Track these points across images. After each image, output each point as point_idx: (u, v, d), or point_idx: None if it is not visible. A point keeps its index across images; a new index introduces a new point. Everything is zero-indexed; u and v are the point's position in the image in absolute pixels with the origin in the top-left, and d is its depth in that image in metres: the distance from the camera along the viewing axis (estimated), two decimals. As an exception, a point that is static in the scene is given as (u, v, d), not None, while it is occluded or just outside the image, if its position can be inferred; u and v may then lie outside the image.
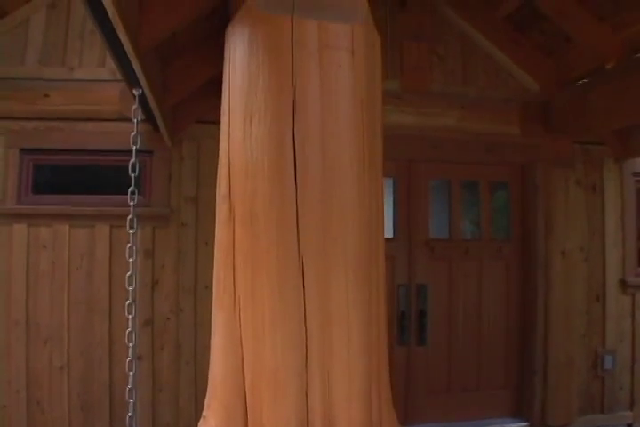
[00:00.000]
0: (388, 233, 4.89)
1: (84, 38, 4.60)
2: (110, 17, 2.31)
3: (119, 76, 3.21)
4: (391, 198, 4.99)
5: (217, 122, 1.97)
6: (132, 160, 3.26)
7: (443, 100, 4.98)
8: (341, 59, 1.72)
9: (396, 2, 5.01)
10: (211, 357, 1.81)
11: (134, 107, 3.28)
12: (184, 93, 3.91)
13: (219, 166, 1.76)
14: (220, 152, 1.76)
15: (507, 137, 5.10)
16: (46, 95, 4.52)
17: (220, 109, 1.96)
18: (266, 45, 1.72)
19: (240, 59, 1.77)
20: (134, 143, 3.26)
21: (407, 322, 5.01)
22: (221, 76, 1.99)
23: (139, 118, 3.27)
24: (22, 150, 4.55)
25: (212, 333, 1.81)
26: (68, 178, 4.77)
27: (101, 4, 2.22)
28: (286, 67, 1.68)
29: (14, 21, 4.64)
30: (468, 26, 5.14)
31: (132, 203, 3.28)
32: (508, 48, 5.15)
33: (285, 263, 1.65)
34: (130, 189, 3.28)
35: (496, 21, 5.12)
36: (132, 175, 3.28)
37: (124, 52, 2.67)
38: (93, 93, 4.51)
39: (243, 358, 1.69)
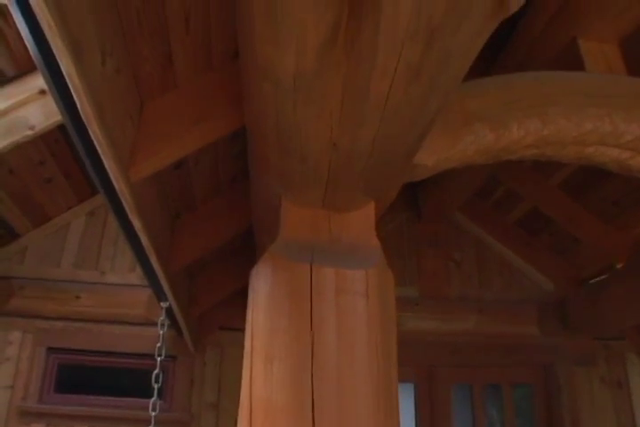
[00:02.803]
0: (411, 441, 4.78)
1: (118, 245, 4.88)
2: (144, 246, 2.52)
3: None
4: (412, 404, 4.92)
5: (241, 329, 2.08)
6: (156, 371, 3.34)
7: (460, 305, 5.10)
8: (356, 303, 1.85)
9: (413, 211, 5.33)
10: None
11: (161, 318, 3.42)
12: (209, 305, 4.07)
13: (239, 408, 1.83)
14: (241, 395, 1.83)
15: (526, 338, 5.13)
16: (78, 297, 4.71)
17: (243, 319, 2.07)
18: (287, 291, 1.86)
19: (262, 302, 1.90)
20: (159, 354, 3.35)
21: None
22: (246, 288, 2.12)
23: (165, 330, 3.40)
24: (49, 349, 4.66)
25: None
26: (91, 379, 4.81)
27: (137, 236, 2.43)
28: (305, 312, 1.81)
29: (55, 226, 4.97)
30: (481, 231, 5.40)
31: (153, 413, 3.31)
32: (520, 250, 5.36)
33: None
34: (152, 400, 3.32)
35: (508, 226, 5.38)
36: (156, 386, 3.34)
37: (154, 272, 2.86)
38: (122, 297, 4.69)
39: None
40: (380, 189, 2.06)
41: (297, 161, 1.77)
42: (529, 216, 5.20)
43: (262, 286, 1.93)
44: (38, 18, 1.32)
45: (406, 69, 1.37)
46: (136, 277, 4.71)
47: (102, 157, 1.80)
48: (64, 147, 4.28)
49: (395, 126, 1.58)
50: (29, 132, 3.57)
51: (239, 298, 3.37)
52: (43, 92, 3.63)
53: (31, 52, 1.59)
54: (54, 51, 1.42)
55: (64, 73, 1.50)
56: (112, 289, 4.74)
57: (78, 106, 1.60)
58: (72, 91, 1.56)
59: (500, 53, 3.41)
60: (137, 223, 2.24)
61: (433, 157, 2.26)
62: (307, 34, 1.30)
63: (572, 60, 3.08)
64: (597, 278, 5.04)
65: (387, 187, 2.09)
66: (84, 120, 1.65)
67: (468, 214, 5.41)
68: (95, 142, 1.74)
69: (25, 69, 3.45)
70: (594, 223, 4.79)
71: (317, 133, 1.61)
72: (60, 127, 3.82)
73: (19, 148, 3.62)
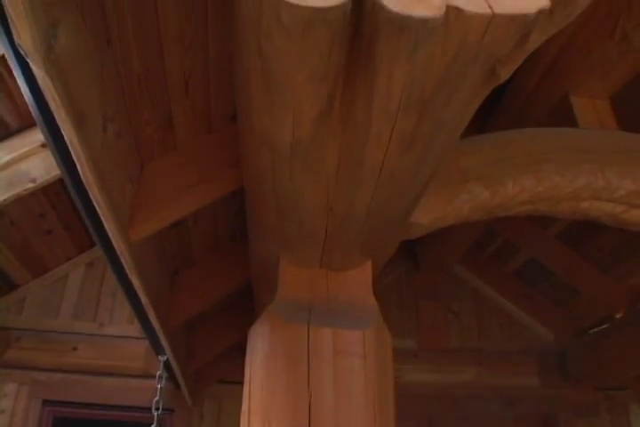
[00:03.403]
0: None
1: (116, 296, 4.87)
2: (143, 303, 2.53)
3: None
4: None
5: (239, 382, 2.07)
6: (154, 425, 3.30)
7: (460, 357, 5.07)
8: (354, 364, 1.86)
9: (411, 263, 5.34)
10: None
11: (159, 372, 3.40)
12: (207, 358, 4.05)
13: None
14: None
15: (526, 389, 5.08)
16: (75, 348, 4.69)
17: (241, 372, 2.06)
18: (284, 351, 1.87)
19: (260, 362, 1.91)
20: (157, 408, 3.32)
21: None
22: (245, 341, 2.12)
23: (163, 384, 3.37)
24: (45, 402, 4.60)
25: None
26: (86, 432, 4.75)
27: (136, 293, 2.44)
28: (303, 372, 1.81)
29: (54, 277, 4.98)
30: (480, 282, 5.41)
31: (149, 470, 3.26)
32: (519, 301, 5.36)
33: None
34: (149, 457, 3.29)
35: (506, 276, 5.39)
36: (153, 441, 3.30)
37: (153, 328, 2.86)
38: (120, 349, 4.67)
39: None
40: (377, 249, 2.09)
41: (294, 224, 1.80)
42: (527, 267, 5.21)
43: (260, 347, 1.94)
44: (43, 92, 1.36)
45: (400, 139, 1.41)
46: (135, 329, 4.68)
47: (102, 219, 1.83)
48: (64, 199, 4.32)
49: (390, 191, 1.62)
50: (30, 185, 3.61)
51: (237, 351, 3.35)
52: (44, 145, 3.69)
53: (35, 118, 1.63)
54: (57, 120, 1.46)
55: (66, 140, 1.54)
56: (110, 341, 4.72)
57: (79, 171, 1.64)
58: (74, 157, 1.59)
59: (493, 110, 3.47)
60: (136, 282, 2.26)
61: (429, 215, 2.29)
62: (303, 105, 1.35)
63: (564, 116, 3.14)
64: (597, 328, 5.02)
65: (383, 246, 2.12)
66: (85, 184, 1.68)
67: (466, 266, 5.42)
68: (95, 205, 1.77)
69: (28, 123, 3.50)
70: (592, 273, 4.80)
71: (314, 198, 1.64)
72: (61, 180, 3.87)
73: (20, 200, 3.65)
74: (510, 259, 5.26)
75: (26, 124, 3.52)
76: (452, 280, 5.41)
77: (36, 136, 3.54)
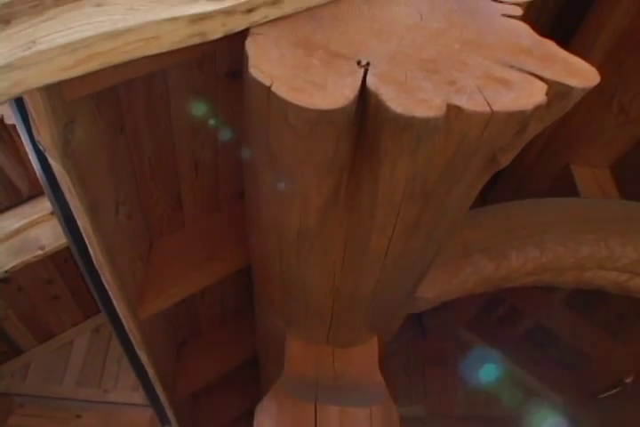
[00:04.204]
0: None
1: (122, 363, 4.84)
2: (150, 377, 2.53)
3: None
4: None
5: None
6: None
7: (468, 423, 5.00)
8: (361, 443, 1.85)
9: (417, 329, 5.32)
10: None
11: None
12: (213, 428, 4.01)
13: None
14: None
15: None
16: (78, 416, 4.64)
17: None
18: (291, 431, 1.87)
19: (267, 440, 1.91)
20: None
21: None
22: (251, 410, 2.11)
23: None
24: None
25: None
26: None
27: (143, 366, 2.44)
28: (310, 453, 1.81)
29: (59, 342, 4.96)
30: (487, 347, 5.36)
31: None
32: (527, 365, 5.30)
33: None
34: None
35: (514, 341, 5.35)
36: None
37: (159, 399, 2.84)
38: (125, 417, 4.61)
39: None
40: (383, 325, 2.10)
41: (301, 302, 1.82)
42: (534, 331, 5.18)
43: (267, 424, 1.94)
44: (60, 182, 1.41)
45: (404, 226, 1.44)
46: (139, 396, 4.63)
47: (112, 298, 1.85)
48: (72, 266, 4.34)
49: (395, 273, 1.65)
50: (40, 252, 3.64)
51: (243, 421, 3.31)
52: (54, 213, 3.73)
53: (50, 204, 1.68)
54: (72, 208, 1.50)
55: (79, 226, 1.58)
56: (114, 408, 4.67)
57: (92, 254, 1.67)
58: (86, 241, 1.63)
59: (495, 182, 3.52)
60: (143, 356, 2.27)
61: (434, 289, 2.32)
62: (310, 196, 1.39)
63: (566, 186, 3.19)
64: (608, 393, 4.94)
65: (389, 322, 2.14)
66: (97, 267, 1.72)
67: (472, 331, 5.39)
68: (106, 286, 1.80)
69: (38, 189, 3.55)
70: (600, 337, 4.76)
71: (320, 280, 1.67)
72: (70, 248, 3.90)
73: (28, 266, 3.67)
74: (517, 324, 5.23)
75: (36, 191, 3.57)
76: (458, 345, 5.37)
77: (46, 204, 3.58)
